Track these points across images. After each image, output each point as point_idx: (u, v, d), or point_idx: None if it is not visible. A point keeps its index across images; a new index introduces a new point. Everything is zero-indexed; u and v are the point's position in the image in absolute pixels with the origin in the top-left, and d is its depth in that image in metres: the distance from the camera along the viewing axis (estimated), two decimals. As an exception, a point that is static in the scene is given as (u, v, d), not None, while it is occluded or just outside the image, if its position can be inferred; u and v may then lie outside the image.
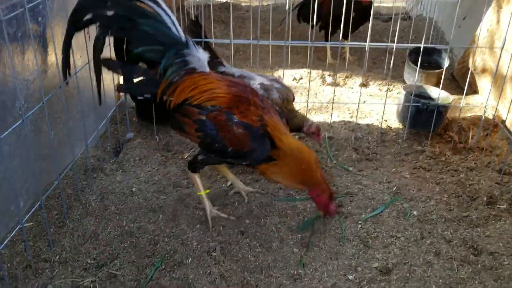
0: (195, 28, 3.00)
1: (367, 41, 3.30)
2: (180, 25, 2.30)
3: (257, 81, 2.81)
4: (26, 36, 2.18)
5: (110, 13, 2.15)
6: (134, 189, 2.76)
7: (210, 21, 4.46)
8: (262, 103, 2.28)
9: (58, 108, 2.58)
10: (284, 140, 2.21)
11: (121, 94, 3.45)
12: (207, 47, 2.97)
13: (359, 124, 3.59)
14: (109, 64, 2.31)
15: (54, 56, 2.34)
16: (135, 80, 2.34)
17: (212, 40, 3.18)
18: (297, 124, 2.86)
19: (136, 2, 2.18)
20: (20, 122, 2.05)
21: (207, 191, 2.58)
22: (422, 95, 3.56)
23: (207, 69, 2.33)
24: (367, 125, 3.60)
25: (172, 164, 3.05)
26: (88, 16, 2.17)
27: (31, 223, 2.40)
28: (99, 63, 2.25)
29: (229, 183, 2.84)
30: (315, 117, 3.72)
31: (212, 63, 2.93)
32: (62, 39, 2.49)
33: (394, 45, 3.25)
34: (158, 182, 2.85)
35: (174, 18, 2.23)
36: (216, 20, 5.70)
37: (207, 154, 2.35)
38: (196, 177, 2.50)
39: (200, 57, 2.28)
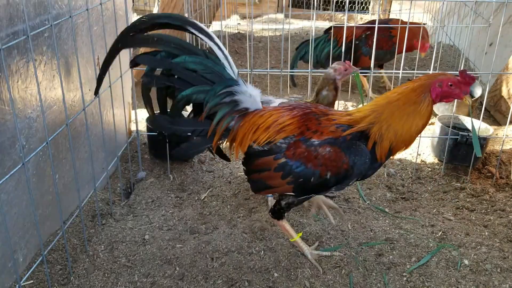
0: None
1: (400, 68, 3.06)
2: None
3: (276, 102, 2.54)
4: (29, 68, 1.94)
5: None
6: (146, 236, 2.47)
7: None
8: (324, 108, 2.09)
9: (64, 148, 2.32)
10: (368, 115, 1.94)
11: (133, 129, 3.20)
12: None
13: (390, 159, 3.30)
14: (158, 123, 2.10)
15: (60, 90, 2.09)
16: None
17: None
18: (326, 83, 2.58)
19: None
20: (20, 166, 1.79)
21: (300, 234, 2.31)
22: (458, 127, 3.28)
23: (260, 105, 2.12)
24: (399, 160, 3.31)
25: (188, 206, 2.77)
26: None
27: (32, 281, 2.10)
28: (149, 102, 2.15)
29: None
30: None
31: None
32: (68, 73, 2.27)
33: (430, 72, 2.97)
34: (173, 227, 2.56)
35: (226, 52, 2.05)
36: (229, 50, 5.52)
37: (302, 195, 2.07)
38: (284, 224, 2.24)
39: (251, 93, 2.08)
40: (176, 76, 2.01)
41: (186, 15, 4.09)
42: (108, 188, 2.75)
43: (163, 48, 1.98)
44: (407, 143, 1.98)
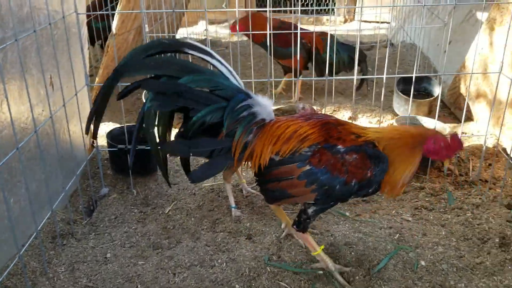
0: None
1: (354, 74, 3.11)
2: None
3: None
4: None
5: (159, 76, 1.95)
6: (108, 255, 2.46)
7: (188, 59, 4.25)
8: (335, 119, 2.11)
9: (18, 172, 2.30)
10: (376, 137, 1.99)
11: (94, 145, 3.18)
12: None
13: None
14: (175, 148, 2.07)
15: (9, 115, 2.07)
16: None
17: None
18: (289, 111, 2.69)
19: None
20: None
21: (322, 247, 2.27)
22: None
23: (273, 115, 2.11)
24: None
25: (151, 221, 2.76)
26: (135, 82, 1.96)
27: (-13, 309, 2.08)
28: (155, 144, 2.05)
29: (283, 226, 2.56)
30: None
31: None
32: (18, 95, 2.25)
33: (384, 76, 3.04)
34: (135, 244, 2.56)
35: (230, 67, 2.04)
36: (195, 58, 5.50)
37: (325, 203, 2.07)
38: (308, 236, 2.20)
39: (265, 103, 2.06)
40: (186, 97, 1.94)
41: (146, 26, 4.08)
42: (68, 208, 2.72)
43: (165, 73, 1.92)
44: (393, 186, 2.02)
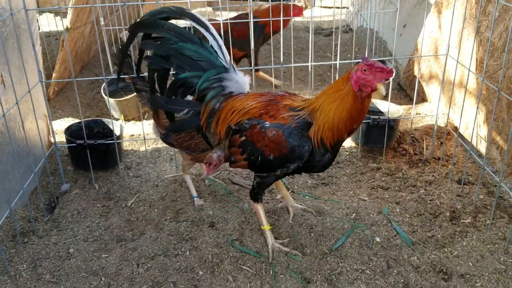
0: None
1: (310, 60, 3.18)
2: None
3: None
4: None
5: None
6: (71, 250, 2.47)
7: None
8: (290, 95, 2.24)
9: (-28, 172, 2.28)
10: (312, 105, 2.07)
11: (52, 141, 3.16)
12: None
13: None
14: (155, 101, 2.37)
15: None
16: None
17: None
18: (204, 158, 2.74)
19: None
20: None
21: (270, 227, 2.42)
22: (371, 110, 3.45)
23: (245, 90, 2.33)
24: (320, 147, 3.45)
25: (115, 215, 2.78)
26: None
27: None
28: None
29: (279, 196, 2.66)
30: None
31: None
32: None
33: (338, 62, 3.11)
34: (99, 238, 2.57)
35: (221, 42, 2.27)
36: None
37: (258, 174, 2.27)
38: (260, 208, 2.40)
39: (238, 79, 2.30)
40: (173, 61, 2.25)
41: (102, 19, 4.04)
42: (28, 205, 2.71)
43: (165, 34, 2.21)
44: (334, 132, 1.99)
